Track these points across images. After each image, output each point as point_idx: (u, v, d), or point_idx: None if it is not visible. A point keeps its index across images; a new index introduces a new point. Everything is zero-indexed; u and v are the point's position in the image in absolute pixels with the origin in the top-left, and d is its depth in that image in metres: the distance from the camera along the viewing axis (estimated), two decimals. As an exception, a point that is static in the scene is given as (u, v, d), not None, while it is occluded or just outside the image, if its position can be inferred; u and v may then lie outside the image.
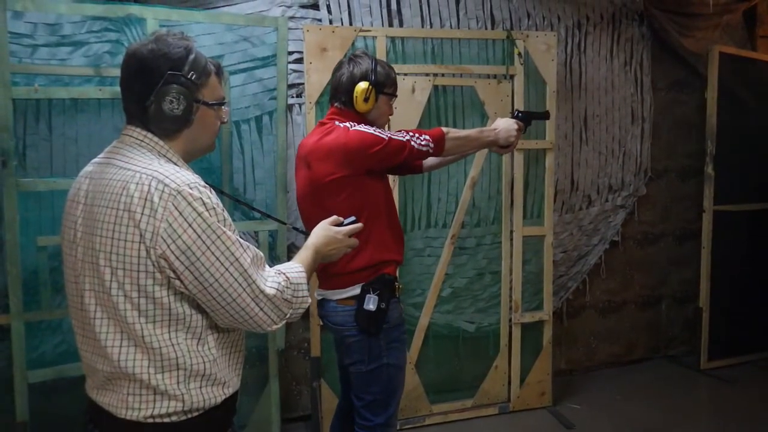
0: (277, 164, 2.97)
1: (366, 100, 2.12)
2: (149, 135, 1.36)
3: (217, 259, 1.27)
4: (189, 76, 1.34)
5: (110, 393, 1.34)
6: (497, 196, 3.51)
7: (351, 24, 3.28)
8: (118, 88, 2.65)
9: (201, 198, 1.27)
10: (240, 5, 3.07)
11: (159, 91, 1.32)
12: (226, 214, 1.32)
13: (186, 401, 1.33)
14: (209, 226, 1.27)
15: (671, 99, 4.25)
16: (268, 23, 2.89)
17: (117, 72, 2.73)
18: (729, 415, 3.50)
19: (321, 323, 3.05)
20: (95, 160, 1.42)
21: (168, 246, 1.24)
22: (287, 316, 1.39)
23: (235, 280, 1.29)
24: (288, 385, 3.41)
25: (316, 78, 3.04)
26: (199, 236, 1.25)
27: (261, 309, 1.33)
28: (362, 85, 2.12)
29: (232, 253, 1.29)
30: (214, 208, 1.28)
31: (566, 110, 3.86)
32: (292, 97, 3.22)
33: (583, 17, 3.85)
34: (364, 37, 3.17)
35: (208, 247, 1.26)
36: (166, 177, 1.27)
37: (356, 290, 2.07)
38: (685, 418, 3.48)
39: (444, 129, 2.22)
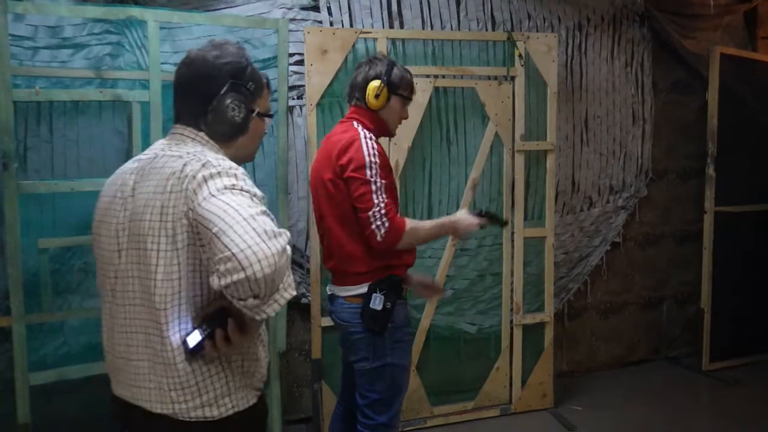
0: (278, 166, 2.97)
1: (377, 96, 2.17)
2: (201, 134, 1.41)
3: (233, 208, 1.21)
4: (248, 87, 1.41)
5: (145, 390, 1.32)
6: (498, 197, 3.51)
7: (351, 26, 3.28)
8: (119, 90, 2.72)
9: (240, 182, 1.28)
10: (240, 7, 3.07)
11: (221, 97, 1.37)
12: (262, 200, 1.30)
13: (230, 396, 1.33)
14: (243, 195, 1.25)
15: (672, 100, 4.25)
16: (268, 25, 2.89)
17: (118, 74, 2.81)
18: (731, 417, 3.49)
19: (321, 326, 3.09)
20: (140, 156, 1.44)
21: (200, 211, 1.22)
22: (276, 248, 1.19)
23: (242, 218, 1.19)
24: (289, 387, 3.41)
25: (317, 80, 3.04)
26: (233, 205, 1.21)
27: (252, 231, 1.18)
28: (374, 83, 2.18)
29: (250, 207, 1.22)
30: (250, 190, 1.28)
31: (567, 111, 3.86)
32: (293, 99, 3.22)
33: (583, 18, 3.85)
34: (365, 39, 3.17)
35: (236, 209, 1.21)
36: (211, 161, 1.29)
37: (364, 288, 2.10)
38: (687, 419, 3.48)
39: (407, 225, 2.08)
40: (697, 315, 4.21)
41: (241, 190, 1.25)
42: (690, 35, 4.10)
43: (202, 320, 1.28)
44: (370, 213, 2.03)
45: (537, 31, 3.67)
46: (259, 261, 1.14)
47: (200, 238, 1.24)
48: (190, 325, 1.28)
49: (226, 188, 1.23)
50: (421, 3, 3.42)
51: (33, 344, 2.69)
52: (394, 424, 2.18)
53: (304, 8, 3.21)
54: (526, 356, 3.57)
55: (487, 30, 3.57)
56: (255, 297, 1.17)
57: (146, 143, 2.69)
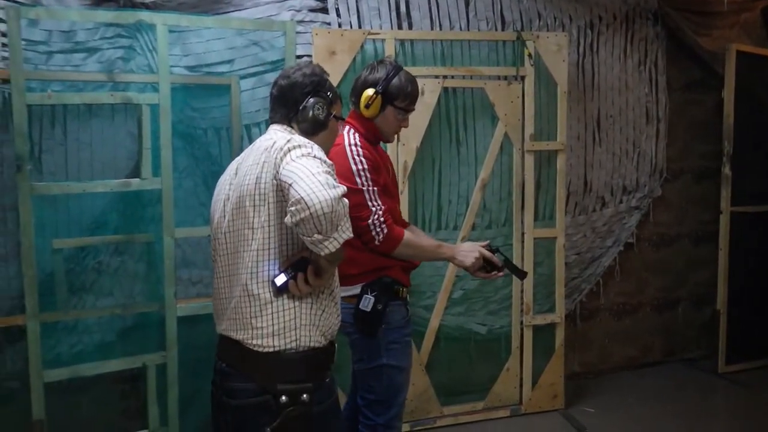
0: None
1: (367, 106, 2.16)
2: (290, 128, 1.79)
3: (305, 167, 1.52)
4: (328, 94, 1.81)
5: (232, 321, 1.65)
6: (508, 197, 3.50)
7: (360, 27, 3.30)
8: (129, 93, 2.76)
9: (314, 152, 1.59)
10: (249, 10, 3.10)
11: (309, 100, 1.77)
12: (330, 167, 1.59)
13: (296, 329, 1.62)
14: (314, 160, 1.56)
15: (687, 99, 4.20)
16: (276, 27, 2.91)
17: (129, 77, 2.86)
18: (746, 421, 3.45)
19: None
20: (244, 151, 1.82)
21: (283, 173, 1.53)
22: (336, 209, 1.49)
23: (311, 173, 1.50)
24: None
25: (326, 81, 3.06)
26: (305, 165, 1.52)
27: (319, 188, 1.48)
28: (368, 92, 2.17)
29: (317, 167, 1.53)
30: (320, 157, 1.58)
31: (579, 111, 3.84)
32: (302, 100, 3.24)
33: (595, 17, 3.82)
34: (373, 40, 3.18)
35: (307, 168, 1.52)
36: (294, 137, 1.65)
37: (357, 290, 2.12)
38: (701, 422, 3.44)
39: (406, 236, 2.13)
40: (713, 317, 4.15)
41: (314, 157, 1.57)
42: (705, 33, 4.05)
43: (287, 266, 1.61)
44: (369, 222, 2.06)
45: (547, 30, 3.65)
46: (320, 202, 1.44)
47: (283, 194, 1.55)
48: (278, 270, 1.61)
49: (302, 155, 1.56)
50: (429, 3, 3.43)
51: (48, 342, 2.74)
52: (393, 425, 2.18)
53: (312, 10, 3.23)
54: (537, 357, 3.55)
55: (496, 30, 3.56)
56: (319, 233, 1.47)
57: (156, 145, 2.73)
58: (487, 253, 2.20)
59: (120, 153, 3.00)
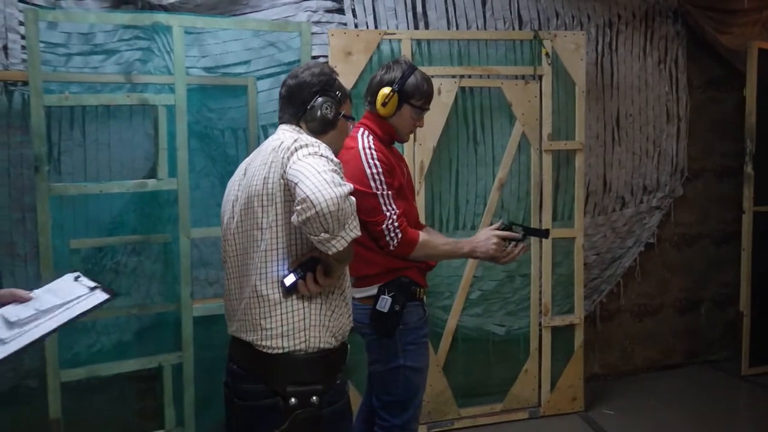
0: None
1: (384, 104, 2.15)
2: (299, 128, 1.78)
3: (311, 165, 1.52)
4: (337, 94, 1.80)
5: (242, 322, 1.65)
6: (526, 197, 3.46)
7: (376, 27, 3.28)
8: (146, 95, 2.77)
9: (321, 150, 1.59)
10: (267, 11, 3.10)
11: (317, 99, 1.76)
12: (337, 165, 1.60)
13: (305, 330, 1.61)
14: (321, 158, 1.56)
15: (708, 97, 4.14)
16: (291, 28, 2.91)
17: (146, 79, 2.87)
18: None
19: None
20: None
21: (290, 172, 1.54)
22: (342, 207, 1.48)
23: (317, 172, 1.50)
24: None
25: (341, 82, 3.05)
26: (312, 164, 1.52)
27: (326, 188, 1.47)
28: (384, 90, 2.16)
29: (324, 166, 1.53)
30: (327, 156, 1.59)
31: (598, 110, 3.79)
32: (318, 100, 3.24)
33: (614, 15, 3.78)
34: (390, 41, 3.17)
35: (314, 166, 1.52)
36: (302, 137, 1.65)
37: (374, 290, 2.11)
38: (723, 426, 3.38)
39: (421, 238, 2.12)
40: (737, 318, 4.08)
41: (321, 155, 1.57)
42: (727, 31, 3.99)
43: (297, 266, 1.60)
44: (384, 227, 2.05)
45: (565, 29, 3.61)
46: (326, 200, 1.43)
47: (290, 193, 1.54)
48: (287, 270, 1.60)
49: (309, 154, 1.56)
50: (446, 3, 3.41)
51: (66, 342, 2.76)
52: (409, 427, 2.16)
53: (328, 11, 3.23)
54: (556, 359, 3.51)
55: (513, 29, 3.53)
56: (325, 232, 1.46)
57: (172, 145, 2.74)
58: (503, 233, 2.18)
59: (137, 154, 3.01)
